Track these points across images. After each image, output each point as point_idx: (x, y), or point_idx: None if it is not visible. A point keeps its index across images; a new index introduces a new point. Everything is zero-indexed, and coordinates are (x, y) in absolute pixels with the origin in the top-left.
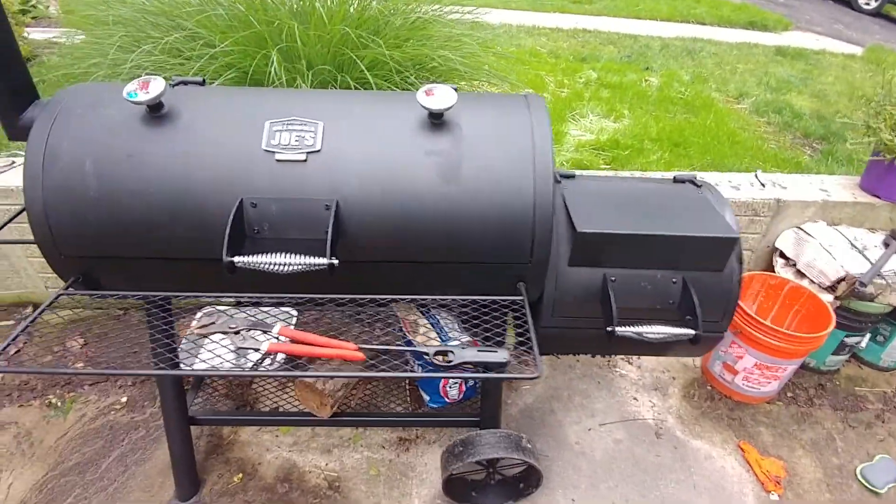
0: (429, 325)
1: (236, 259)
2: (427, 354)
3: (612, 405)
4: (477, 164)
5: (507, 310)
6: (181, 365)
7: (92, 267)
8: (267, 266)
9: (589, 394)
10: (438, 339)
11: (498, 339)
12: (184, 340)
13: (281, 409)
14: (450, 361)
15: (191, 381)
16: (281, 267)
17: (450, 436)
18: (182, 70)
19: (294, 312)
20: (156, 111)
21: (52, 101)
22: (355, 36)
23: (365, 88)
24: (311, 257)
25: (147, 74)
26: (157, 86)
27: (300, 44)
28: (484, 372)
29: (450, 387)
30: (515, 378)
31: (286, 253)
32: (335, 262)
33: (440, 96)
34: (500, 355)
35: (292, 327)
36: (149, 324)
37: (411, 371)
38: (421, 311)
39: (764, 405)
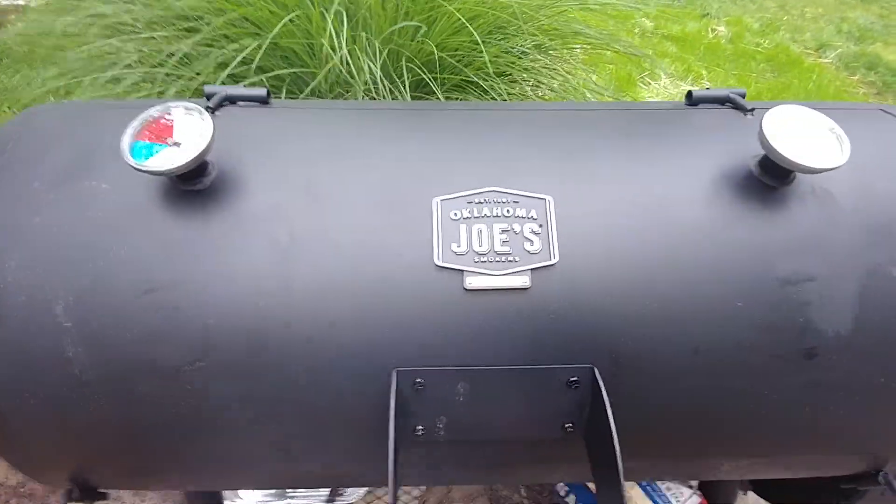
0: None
1: None
2: None
3: None
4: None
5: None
6: None
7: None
8: None
9: None
10: None
11: None
12: None
13: None
14: None
15: None
16: None
17: None
18: (193, 55)
19: None
20: (193, 181)
21: None
22: None
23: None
24: None
25: (156, 81)
26: (189, 128)
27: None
28: None
29: None
30: None
31: None
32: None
33: (806, 134)
34: None
35: None
36: None
37: None
38: None
39: None
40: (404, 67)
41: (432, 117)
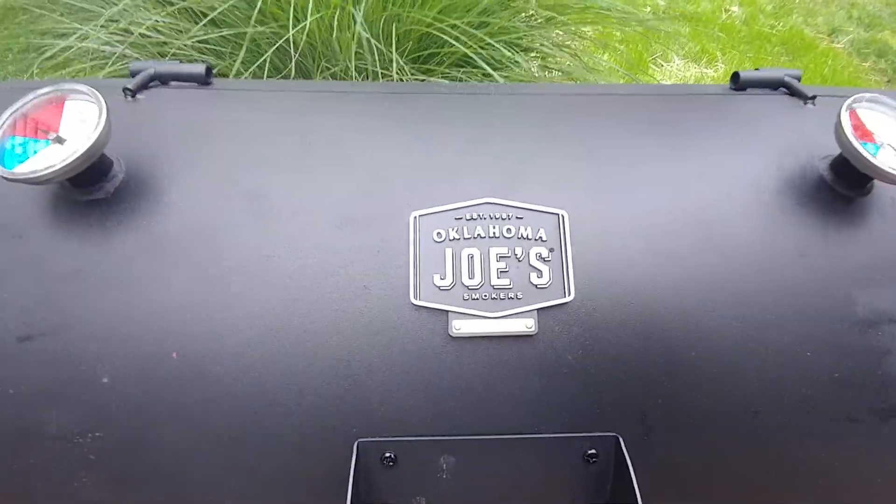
0: None
1: None
2: None
3: None
4: None
5: None
6: None
7: None
8: None
9: None
10: None
11: None
12: None
13: None
14: None
15: None
16: None
17: None
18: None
19: None
20: (90, 188)
21: None
22: None
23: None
24: None
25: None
26: (79, 119)
27: None
28: None
29: None
30: None
31: None
32: None
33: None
34: None
35: None
36: None
37: None
38: None
39: None
40: (400, 37)
41: (416, 103)
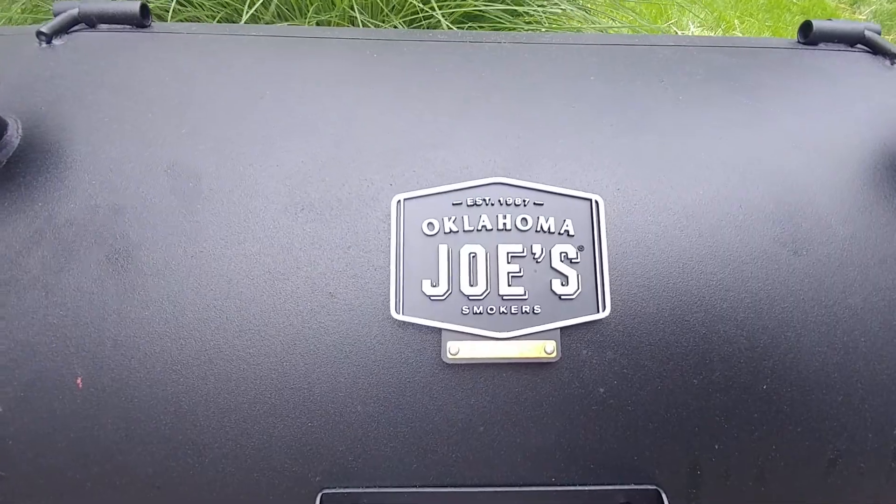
0: None
1: None
2: None
3: None
4: None
5: None
6: None
7: None
8: None
9: None
10: None
11: None
12: None
13: None
14: None
15: None
16: None
17: None
18: None
19: None
20: None
21: None
22: None
23: None
24: None
25: None
26: None
27: None
28: None
29: None
30: None
31: None
32: None
33: None
34: None
35: None
36: None
37: None
38: None
39: None
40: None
41: (404, 53)
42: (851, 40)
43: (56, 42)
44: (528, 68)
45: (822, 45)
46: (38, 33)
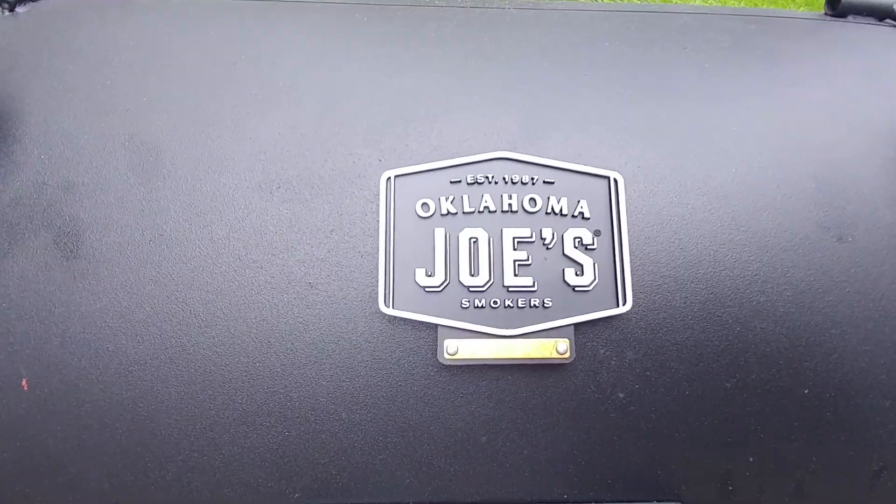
0: None
1: None
2: None
3: None
4: None
5: None
6: None
7: None
8: None
9: None
10: None
11: None
12: None
13: None
14: None
15: None
16: None
17: None
18: None
19: None
20: None
21: None
22: None
23: None
24: None
25: None
26: None
27: None
28: None
29: None
30: None
31: None
32: None
33: None
34: None
35: None
36: None
37: None
38: None
39: None
40: None
41: (399, 18)
42: (881, 14)
43: (19, 10)
44: (534, 33)
45: (850, 18)
46: (1, 2)
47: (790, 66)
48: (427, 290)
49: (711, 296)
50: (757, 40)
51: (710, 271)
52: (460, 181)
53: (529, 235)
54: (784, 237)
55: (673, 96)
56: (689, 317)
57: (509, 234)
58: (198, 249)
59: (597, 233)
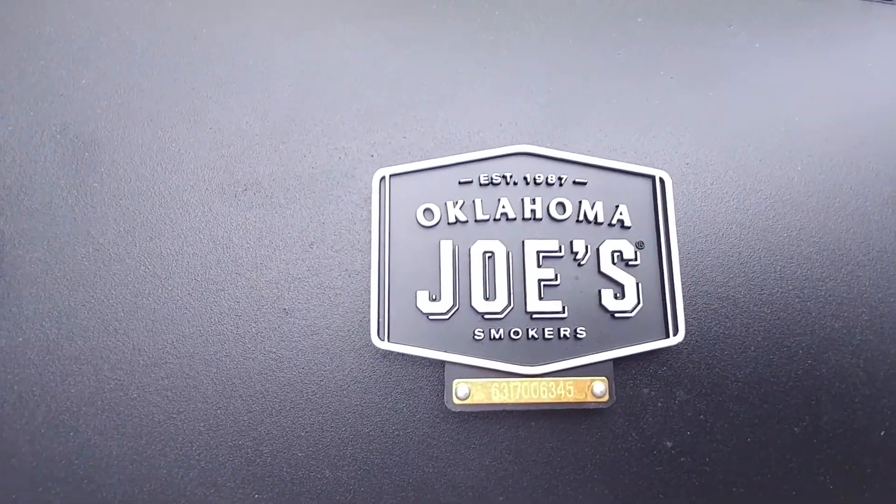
0: None
1: None
2: None
3: None
4: None
5: None
6: None
7: None
8: None
9: None
10: None
11: None
12: None
13: None
14: None
15: None
16: None
17: None
18: None
19: None
20: None
21: None
22: None
23: None
24: None
25: None
26: None
27: None
28: None
29: None
30: None
31: None
32: None
33: None
34: None
35: None
36: None
37: None
38: None
39: None
40: None
41: None
42: None
43: None
44: (557, 6)
45: None
46: None
47: (853, 50)
48: (431, 317)
49: (778, 322)
50: (809, 18)
51: (776, 292)
52: (471, 181)
53: (557, 249)
54: (860, 250)
55: (722, 80)
56: (752, 348)
57: (532, 246)
58: (143, 267)
59: (639, 245)
